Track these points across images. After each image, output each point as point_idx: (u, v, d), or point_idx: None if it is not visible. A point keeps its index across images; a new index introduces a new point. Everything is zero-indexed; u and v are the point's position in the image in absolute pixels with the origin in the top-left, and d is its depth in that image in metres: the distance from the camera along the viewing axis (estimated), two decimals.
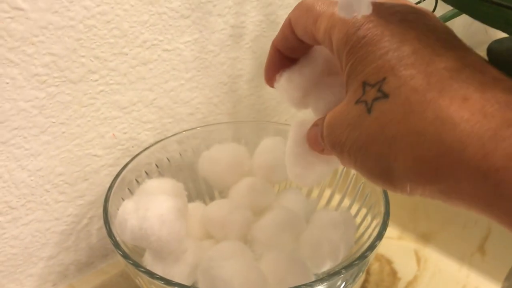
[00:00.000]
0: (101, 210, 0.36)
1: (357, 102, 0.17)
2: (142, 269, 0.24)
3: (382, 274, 0.50)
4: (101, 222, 0.36)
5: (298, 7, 0.21)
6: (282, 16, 0.41)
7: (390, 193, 0.54)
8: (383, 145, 0.16)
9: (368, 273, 0.50)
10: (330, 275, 0.24)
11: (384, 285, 0.49)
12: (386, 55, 0.17)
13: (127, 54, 0.32)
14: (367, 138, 0.17)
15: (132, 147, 0.36)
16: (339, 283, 0.25)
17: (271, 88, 0.44)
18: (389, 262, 0.52)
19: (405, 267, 0.51)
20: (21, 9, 0.27)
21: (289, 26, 0.22)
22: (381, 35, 0.17)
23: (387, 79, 0.16)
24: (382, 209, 0.29)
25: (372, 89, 0.17)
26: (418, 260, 0.52)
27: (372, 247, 0.26)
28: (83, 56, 0.30)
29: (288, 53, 0.24)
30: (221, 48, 0.38)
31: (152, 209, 0.27)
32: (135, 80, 0.34)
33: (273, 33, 0.41)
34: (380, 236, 0.27)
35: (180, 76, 0.36)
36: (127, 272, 0.27)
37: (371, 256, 0.26)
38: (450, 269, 0.50)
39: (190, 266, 0.28)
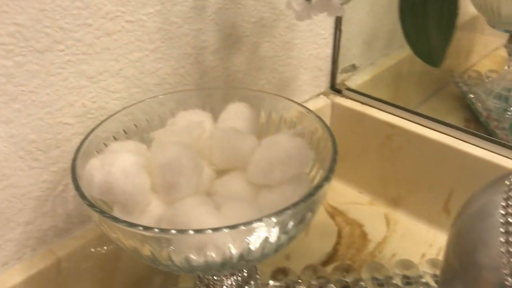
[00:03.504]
0: None
1: None
2: (107, 215, 0.26)
3: (353, 237, 0.53)
4: None
5: None
6: None
7: (364, 163, 0.56)
8: None
9: (339, 236, 0.53)
10: (278, 212, 0.26)
11: (355, 247, 0.52)
12: None
13: (91, 25, 0.34)
14: None
15: (102, 116, 0.37)
16: (288, 219, 0.27)
17: (238, 61, 0.46)
18: (360, 225, 0.54)
19: (375, 230, 0.54)
20: None
21: None
22: None
23: None
24: (331, 153, 0.31)
25: None
26: (388, 223, 0.55)
27: (320, 185, 0.28)
28: (48, 27, 0.32)
29: None
30: (183, 20, 0.39)
31: (116, 164, 0.29)
32: (100, 50, 0.35)
33: (235, 5, 0.43)
34: (327, 178, 0.29)
35: (144, 47, 0.38)
36: (99, 226, 0.29)
37: (319, 196, 0.28)
38: (418, 230, 0.53)
39: (155, 218, 0.30)
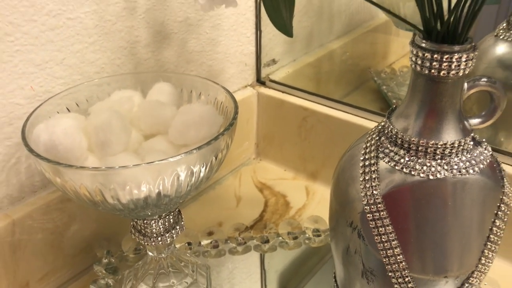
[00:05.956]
0: (27, 152, 0.44)
1: None
2: (52, 161, 0.33)
3: (277, 205, 0.61)
4: (28, 161, 0.45)
5: None
6: None
7: (287, 144, 0.64)
8: None
9: (266, 205, 0.61)
10: (186, 152, 0.34)
11: (278, 213, 0.60)
12: None
13: (36, 21, 0.41)
14: None
15: (48, 100, 0.44)
16: (194, 160, 0.35)
17: (168, 54, 0.54)
18: (284, 196, 0.63)
19: (297, 199, 0.62)
20: None
21: None
22: None
23: None
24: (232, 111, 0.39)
25: None
26: (308, 193, 0.64)
27: (222, 133, 0.36)
28: None
29: None
30: (117, 18, 0.47)
31: (58, 126, 0.36)
32: (45, 42, 0.43)
33: (162, 6, 0.51)
34: (227, 129, 0.37)
35: (84, 40, 0.45)
36: (46, 174, 0.36)
37: (221, 143, 0.36)
38: None
39: None
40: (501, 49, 0.57)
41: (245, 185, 0.64)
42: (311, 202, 0.61)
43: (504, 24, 0.57)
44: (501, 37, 0.57)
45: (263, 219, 0.58)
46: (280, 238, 0.53)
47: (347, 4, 0.80)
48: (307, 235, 0.53)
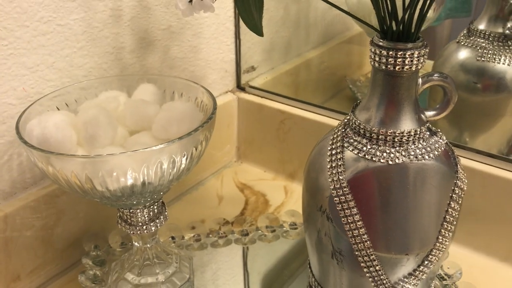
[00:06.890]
0: (18, 149, 0.47)
1: None
2: (45, 151, 0.36)
3: (257, 204, 0.64)
4: (20, 159, 0.48)
5: None
6: (152, 2, 0.55)
7: (266, 146, 0.68)
8: None
9: (246, 203, 0.64)
10: (168, 141, 0.37)
11: (258, 210, 0.63)
12: None
13: (28, 27, 0.45)
14: None
15: (39, 99, 0.47)
16: (176, 150, 0.38)
17: (152, 59, 0.57)
18: (263, 195, 0.66)
19: (276, 198, 0.65)
20: None
21: None
22: None
23: None
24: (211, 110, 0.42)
25: None
26: (286, 192, 0.67)
27: (201, 126, 0.39)
28: None
29: None
30: (104, 25, 0.51)
31: (50, 120, 0.39)
32: (37, 46, 0.46)
33: (146, 15, 0.55)
34: (206, 122, 0.40)
35: (72, 45, 0.49)
36: (38, 165, 0.39)
37: (200, 134, 0.40)
38: None
39: None
40: (462, 54, 0.62)
41: (227, 186, 0.67)
42: (289, 200, 0.65)
43: (465, 31, 0.62)
44: (462, 43, 0.62)
45: (243, 216, 0.61)
46: (259, 231, 0.56)
47: (322, 15, 0.84)
48: (284, 228, 0.56)
